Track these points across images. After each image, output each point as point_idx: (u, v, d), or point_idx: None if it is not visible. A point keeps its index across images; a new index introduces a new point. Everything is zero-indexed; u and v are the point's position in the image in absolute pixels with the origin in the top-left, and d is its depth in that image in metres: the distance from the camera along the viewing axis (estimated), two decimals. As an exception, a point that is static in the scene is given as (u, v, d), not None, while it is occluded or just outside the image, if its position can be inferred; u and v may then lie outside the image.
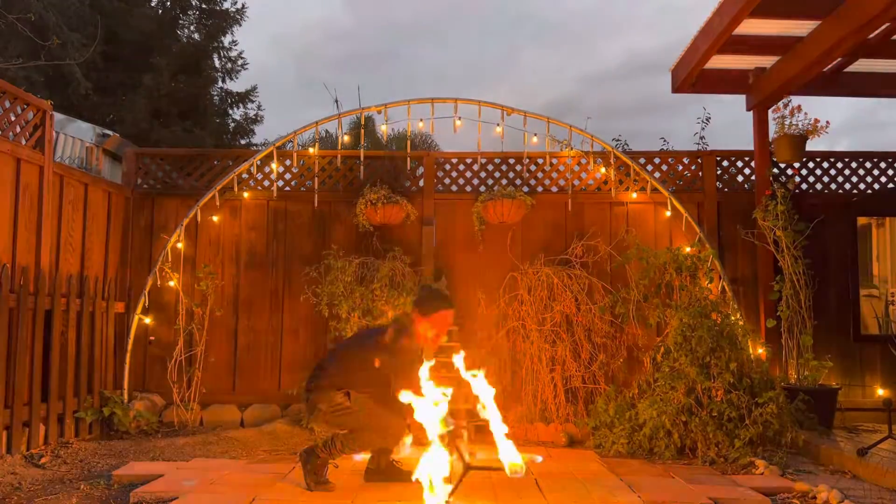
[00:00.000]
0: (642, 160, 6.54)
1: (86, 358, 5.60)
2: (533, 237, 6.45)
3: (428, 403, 3.47)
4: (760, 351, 5.74)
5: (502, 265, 6.32)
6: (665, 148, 9.30)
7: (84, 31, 12.18)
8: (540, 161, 6.60)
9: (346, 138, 6.84)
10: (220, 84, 15.60)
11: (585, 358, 6.03)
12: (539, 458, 4.61)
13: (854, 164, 6.52)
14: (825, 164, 6.52)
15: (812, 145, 6.05)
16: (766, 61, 6.02)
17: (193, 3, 15.24)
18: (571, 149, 6.47)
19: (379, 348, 3.83)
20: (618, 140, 9.34)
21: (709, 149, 6.79)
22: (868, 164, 6.51)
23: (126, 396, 5.99)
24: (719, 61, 6.03)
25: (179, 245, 6.33)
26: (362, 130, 6.91)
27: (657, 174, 6.52)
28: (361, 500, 3.51)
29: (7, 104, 4.93)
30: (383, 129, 6.83)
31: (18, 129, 5.07)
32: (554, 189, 6.63)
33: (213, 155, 7.04)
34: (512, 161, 6.62)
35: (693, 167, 6.60)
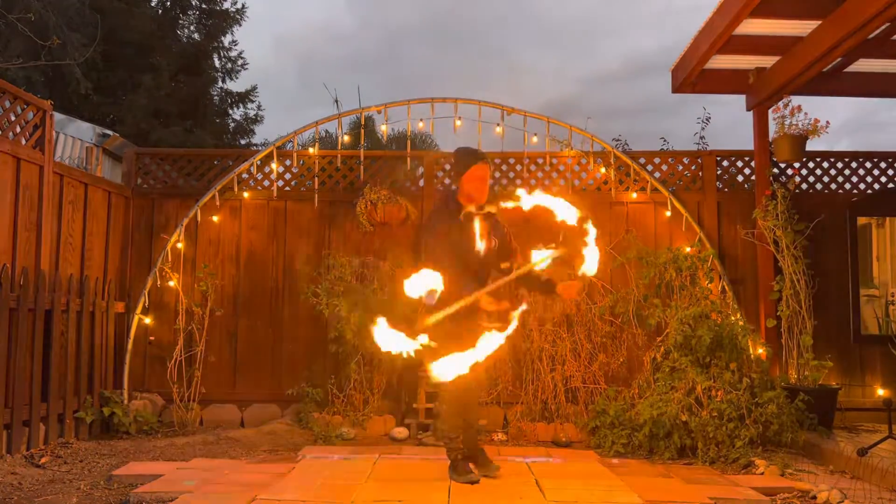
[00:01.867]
0: (642, 160, 6.54)
1: (86, 358, 5.60)
2: (533, 237, 6.43)
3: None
4: (760, 351, 5.74)
5: (502, 265, 6.31)
6: (665, 148, 9.30)
7: (84, 31, 12.16)
8: (540, 161, 6.60)
9: (346, 138, 6.84)
10: (220, 84, 15.62)
11: (585, 358, 6.03)
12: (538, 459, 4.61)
13: (854, 164, 6.52)
14: (825, 164, 6.52)
15: (812, 145, 6.05)
16: (766, 61, 6.02)
17: (193, 3, 15.24)
18: (571, 149, 6.47)
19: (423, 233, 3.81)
20: (618, 140, 9.34)
21: (709, 149, 6.80)
22: (868, 164, 6.51)
23: (126, 396, 5.99)
24: (719, 61, 6.02)
25: (179, 245, 6.33)
26: (362, 130, 6.91)
27: (657, 174, 6.52)
28: (361, 499, 3.51)
29: (7, 104, 4.93)
30: (383, 129, 6.83)
31: (18, 129, 5.07)
32: (554, 189, 6.63)
33: (213, 155, 7.04)
34: (512, 161, 6.61)
35: (693, 167, 6.60)
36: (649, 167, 6.54)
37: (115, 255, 6.33)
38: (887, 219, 6.60)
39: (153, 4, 15.03)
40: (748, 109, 6.40)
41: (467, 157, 3.92)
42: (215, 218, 6.47)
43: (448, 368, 3.27)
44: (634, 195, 6.45)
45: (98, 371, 5.75)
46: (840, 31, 4.88)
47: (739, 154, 6.59)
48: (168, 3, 15.11)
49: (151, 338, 6.33)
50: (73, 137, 8.43)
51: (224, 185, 6.42)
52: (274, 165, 6.53)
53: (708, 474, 4.40)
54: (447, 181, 6.65)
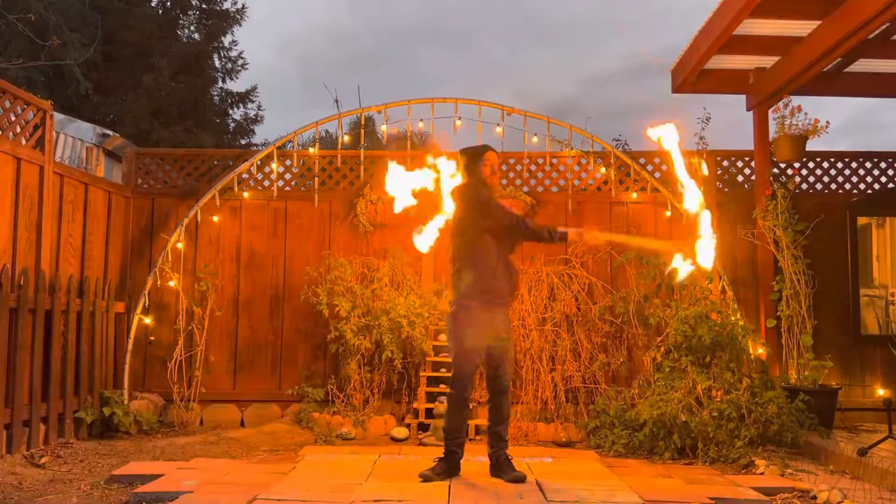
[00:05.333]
0: (642, 160, 6.55)
1: (86, 358, 5.60)
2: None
3: None
4: (760, 351, 5.74)
5: (502, 265, 6.30)
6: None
7: (84, 31, 12.17)
8: (540, 161, 6.60)
9: (347, 138, 6.84)
10: (220, 84, 15.62)
11: (585, 357, 6.03)
12: (543, 459, 4.61)
13: (854, 164, 6.53)
14: (825, 164, 6.52)
15: (812, 145, 6.05)
16: (766, 61, 6.02)
17: (193, 3, 15.24)
18: (572, 149, 6.47)
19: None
20: (618, 140, 9.32)
21: (709, 149, 6.79)
22: (868, 164, 6.52)
23: (126, 396, 5.99)
24: (719, 61, 6.03)
25: (179, 245, 6.33)
26: (362, 130, 6.90)
27: (657, 174, 6.52)
28: (361, 499, 3.50)
29: (7, 104, 4.93)
30: (383, 129, 6.83)
31: (19, 129, 5.07)
32: (554, 189, 6.63)
33: (213, 155, 7.04)
34: (512, 161, 6.61)
35: (693, 167, 6.59)
36: (649, 167, 6.54)
37: (116, 255, 6.33)
38: (887, 219, 6.59)
39: (153, 4, 15.03)
40: (748, 109, 6.40)
41: (478, 148, 4.11)
42: (215, 218, 6.47)
43: None
44: (634, 195, 6.45)
45: (98, 371, 5.74)
46: (840, 31, 4.88)
47: (739, 154, 6.60)
48: (168, 3, 15.11)
49: (151, 338, 6.33)
50: (73, 137, 8.42)
51: (224, 185, 6.42)
52: (274, 165, 6.53)
53: (708, 474, 4.40)
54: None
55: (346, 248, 6.40)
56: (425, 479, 3.86)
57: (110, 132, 9.00)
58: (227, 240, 6.54)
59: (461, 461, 4.00)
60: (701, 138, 9.16)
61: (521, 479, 3.83)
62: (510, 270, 3.98)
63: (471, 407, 4.00)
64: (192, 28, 15.42)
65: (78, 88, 12.19)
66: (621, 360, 6.08)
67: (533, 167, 6.60)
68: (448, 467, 3.94)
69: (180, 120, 13.80)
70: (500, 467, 3.92)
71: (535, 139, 6.41)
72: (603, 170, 6.48)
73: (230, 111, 15.91)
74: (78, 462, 4.66)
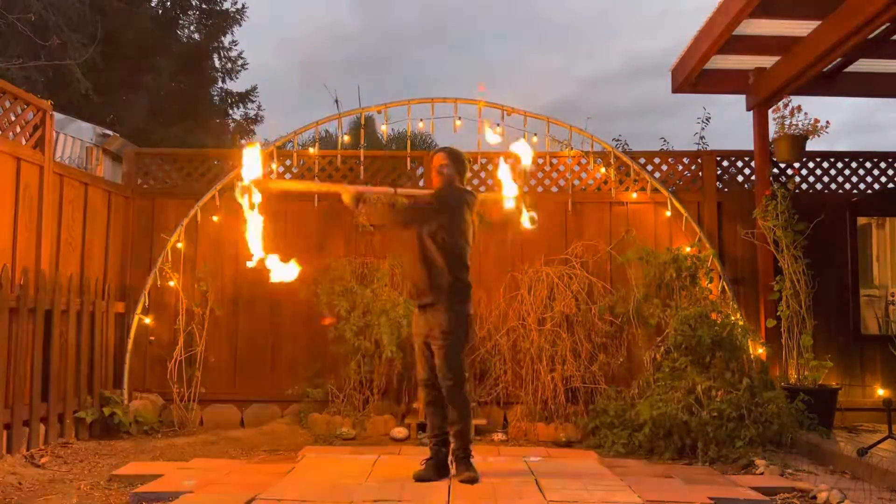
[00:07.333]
0: (642, 160, 6.55)
1: (86, 358, 5.60)
2: (533, 237, 6.43)
3: None
4: (760, 351, 5.74)
5: (502, 264, 6.32)
6: (665, 148, 9.27)
7: (84, 31, 12.15)
8: (540, 161, 6.60)
9: (347, 138, 6.84)
10: (220, 84, 15.62)
11: (585, 357, 6.02)
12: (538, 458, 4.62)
13: (854, 164, 6.53)
14: (825, 164, 6.52)
15: (812, 145, 6.05)
16: (766, 61, 6.02)
17: (193, 3, 15.23)
18: (571, 149, 6.47)
19: None
20: (618, 140, 9.30)
21: (709, 149, 6.80)
22: (868, 164, 6.52)
23: (126, 396, 5.99)
24: (719, 61, 6.03)
25: (179, 245, 6.33)
26: (362, 130, 6.90)
27: (657, 174, 6.53)
28: (361, 499, 3.50)
29: (7, 104, 4.93)
30: (383, 129, 6.83)
31: (18, 129, 5.07)
32: (554, 189, 6.63)
33: (213, 155, 7.04)
34: (512, 161, 6.60)
35: (693, 167, 6.60)
36: (649, 167, 6.54)
37: (115, 255, 6.33)
38: (887, 219, 6.60)
39: (153, 4, 15.01)
40: (748, 109, 6.40)
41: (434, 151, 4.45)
42: (215, 218, 6.47)
43: None
44: (634, 195, 6.45)
45: (98, 371, 5.75)
46: (840, 32, 4.88)
47: (739, 154, 6.60)
48: (168, 3, 15.10)
49: (151, 338, 6.32)
50: (73, 137, 8.41)
51: (224, 185, 6.41)
52: (274, 165, 6.52)
53: (708, 474, 4.40)
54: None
55: (346, 248, 6.40)
56: (419, 478, 3.85)
57: (110, 132, 8.99)
58: (227, 240, 6.52)
59: (447, 459, 3.99)
60: (701, 138, 9.18)
61: (472, 481, 3.79)
62: (432, 272, 3.94)
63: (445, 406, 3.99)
64: (192, 28, 15.42)
65: (78, 88, 12.17)
66: (621, 360, 6.07)
67: (533, 167, 6.60)
68: (437, 466, 3.94)
69: (180, 120, 13.80)
70: (456, 466, 3.93)
71: (535, 139, 6.41)
72: (603, 170, 6.48)
73: (230, 111, 15.92)
74: (78, 462, 4.66)
